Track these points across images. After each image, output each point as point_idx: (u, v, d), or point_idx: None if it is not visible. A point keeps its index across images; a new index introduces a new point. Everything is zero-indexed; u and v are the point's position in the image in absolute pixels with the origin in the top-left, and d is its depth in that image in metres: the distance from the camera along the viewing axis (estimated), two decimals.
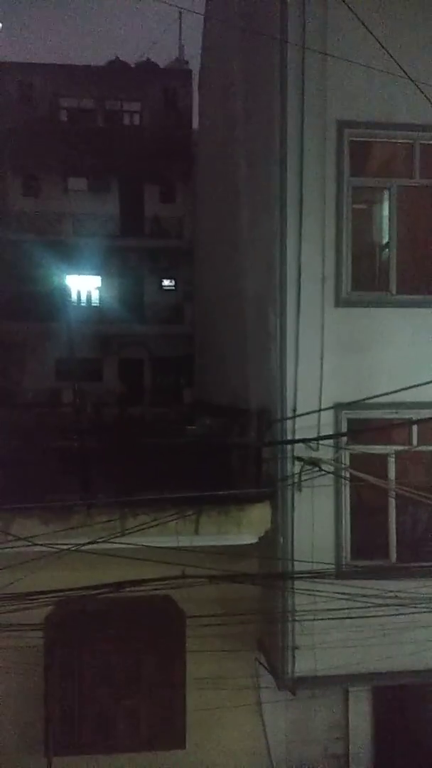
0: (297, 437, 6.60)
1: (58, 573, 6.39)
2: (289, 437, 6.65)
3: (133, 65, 21.54)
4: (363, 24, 6.09)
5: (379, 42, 6.13)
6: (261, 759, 7.37)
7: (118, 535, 6.40)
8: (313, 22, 6.56)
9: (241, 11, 9.00)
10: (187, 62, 21.28)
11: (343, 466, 6.67)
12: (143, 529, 6.42)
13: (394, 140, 7.02)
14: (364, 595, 6.39)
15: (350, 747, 7.40)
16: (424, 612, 6.42)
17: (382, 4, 6.69)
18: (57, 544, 6.17)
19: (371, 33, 6.12)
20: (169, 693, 7.17)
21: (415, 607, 6.36)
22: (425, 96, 6.43)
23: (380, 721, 7.43)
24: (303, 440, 6.56)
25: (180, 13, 18.98)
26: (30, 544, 6.16)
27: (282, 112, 6.71)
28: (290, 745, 7.35)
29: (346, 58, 6.57)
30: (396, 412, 6.73)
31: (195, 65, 16.44)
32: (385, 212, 7.15)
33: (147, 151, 19.22)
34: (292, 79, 6.66)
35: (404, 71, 6.24)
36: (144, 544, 6.32)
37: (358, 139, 6.87)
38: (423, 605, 6.37)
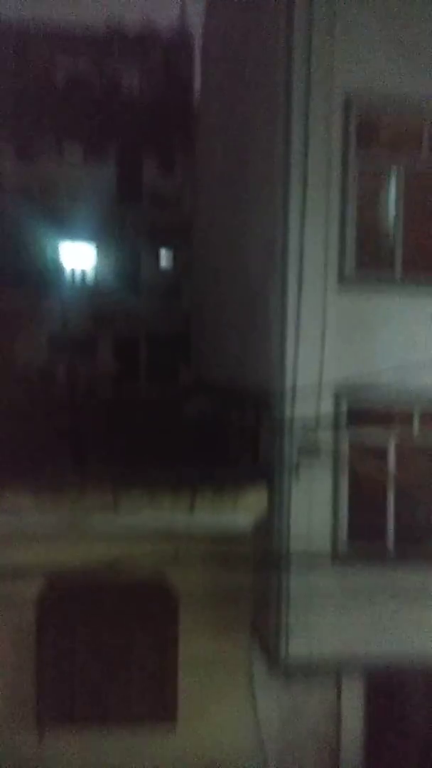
0: (296, 419, 6.50)
1: (51, 550, 6.37)
2: (288, 419, 6.55)
3: (133, 29, 20.88)
4: None
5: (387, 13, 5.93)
6: (251, 738, 7.44)
7: (112, 512, 6.35)
8: None
9: None
10: (189, 27, 20.66)
11: (341, 450, 6.59)
12: (137, 507, 6.36)
13: (402, 115, 6.80)
14: (359, 579, 6.39)
15: (341, 729, 7.47)
16: (420, 598, 6.40)
17: None
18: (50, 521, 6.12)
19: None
20: (161, 669, 7.20)
21: (410, 593, 6.35)
22: None
23: (372, 704, 7.48)
24: (301, 423, 6.46)
25: None
26: (22, 519, 6.12)
27: (287, 84, 6.52)
28: (281, 727, 7.41)
29: (354, 29, 6.32)
30: (397, 396, 6.64)
31: (197, 28, 15.93)
32: (392, 190, 6.97)
33: (146, 119, 18.74)
34: (298, 49, 6.47)
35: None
36: (137, 523, 6.29)
37: (365, 113, 6.67)
38: (419, 591, 6.36)
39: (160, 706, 7.28)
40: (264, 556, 6.69)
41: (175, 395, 10.62)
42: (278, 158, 6.68)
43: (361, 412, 6.73)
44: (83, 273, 20.09)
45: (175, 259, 20.45)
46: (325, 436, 6.52)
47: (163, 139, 19.44)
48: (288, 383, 6.60)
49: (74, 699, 7.21)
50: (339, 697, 7.35)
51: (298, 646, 6.59)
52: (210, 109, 11.76)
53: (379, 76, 6.58)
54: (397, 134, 6.98)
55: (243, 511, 6.69)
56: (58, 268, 18.35)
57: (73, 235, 18.72)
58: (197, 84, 14.94)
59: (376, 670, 7.02)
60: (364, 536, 6.76)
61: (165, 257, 20.69)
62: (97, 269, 20.09)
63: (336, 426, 6.53)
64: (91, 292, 18.91)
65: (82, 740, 7.16)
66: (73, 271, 19.73)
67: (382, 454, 6.72)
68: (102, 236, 19.66)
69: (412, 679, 7.49)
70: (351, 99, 6.56)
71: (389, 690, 7.57)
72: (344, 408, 6.66)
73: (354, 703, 7.36)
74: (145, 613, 7.08)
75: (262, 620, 7.07)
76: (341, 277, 6.66)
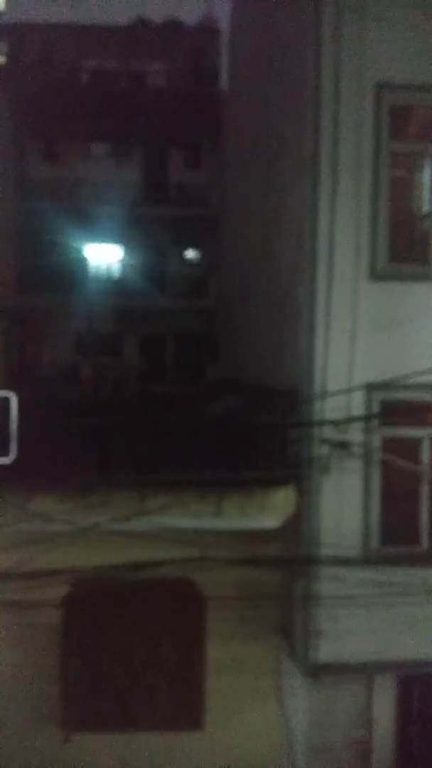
0: (326, 418, 6.37)
1: (77, 552, 6.31)
2: (318, 418, 6.39)
3: (158, 24, 20.75)
4: None
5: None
6: (279, 743, 7.29)
7: (138, 515, 6.25)
8: None
9: None
10: (215, 21, 20.42)
11: (373, 449, 6.38)
12: (164, 509, 6.26)
13: None
14: (392, 583, 6.19)
15: (373, 734, 7.26)
16: None
17: None
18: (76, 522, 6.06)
19: None
20: (188, 674, 7.10)
21: None
22: None
23: (404, 710, 7.26)
24: (332, 422, 6.30)
25: None
26: (49, 521, 6.07)
27: (317, 74, 6.44)
28: (311, 731, 7.23)
29: (385, 17, 6.21)
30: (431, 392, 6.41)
31: (223, 24, 15.73)
32: (426, 180, 6.75)
33: (172, 115, 18.58)
34: (327, 39, 6.42)
35: None
36: (164, 524, 6.18)
37: (397, 102, 6.56)
38: None
39: (187, 711, 7.18)
40: (293, 557, 6.53)
41: (202, 394, 10.51)
42: (308, 151, 6.55)
43: (394, 408, 6.52)
44: (109, 271, 20.13)
45: (202, 256, 20.30)
46: (357, 435, 6.33)
47: (189, 135, 19.31)
48: (318, 380, 6.44)
49: (101, 702, 7.16)
50: (371, 700, 7.14)
51: (328, 648, 6.41)
52: (238, 104, 11.63)
53: (410, 64, 6.42)
54: (430, 123, 6.75)
55: (271, 512, 6.55)
56: (85, 267, 18.40)
57: (99, 233, 18.76)
58: (225, 78, 14.77)
59: (408, 672, 6.81)
60: (397, 536, 6.54)
61: (191, 254, 20.55)
62: (123, 267, 20.09)
63: (368, 424, 6.33)
64: (118, 291, 18.91)
65: (107, 744, 7.11)
66: (99, 269, 19.79)
67: (415, 450, 6.49)
68: (128, 234, 19.64)
69: None
70: (383, 88, 6.42)
71: (422, 692, 7.35)
72: (376, 405, 6.46)
73: (386, 706, 7.16)
74: (172, 617, 6.99)
75: (291, 622, 6.91)
76: (373, 271, 6.46)
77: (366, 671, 6.82)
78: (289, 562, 6.62)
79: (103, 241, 18.99)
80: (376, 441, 6.47)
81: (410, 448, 6.56)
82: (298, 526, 6.60)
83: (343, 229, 6.44)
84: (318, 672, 6.61)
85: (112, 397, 9.46)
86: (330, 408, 6.41)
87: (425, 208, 6.87)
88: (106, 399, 8.88)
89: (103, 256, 19.62)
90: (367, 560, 6.43)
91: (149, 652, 7.02)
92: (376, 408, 6.50)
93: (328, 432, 6.41)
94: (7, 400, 5.72)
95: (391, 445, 6.51)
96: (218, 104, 14.99)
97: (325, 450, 6.42)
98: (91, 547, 6.32)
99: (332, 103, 6.39)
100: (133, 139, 19.63)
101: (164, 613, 6.92)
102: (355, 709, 7.22)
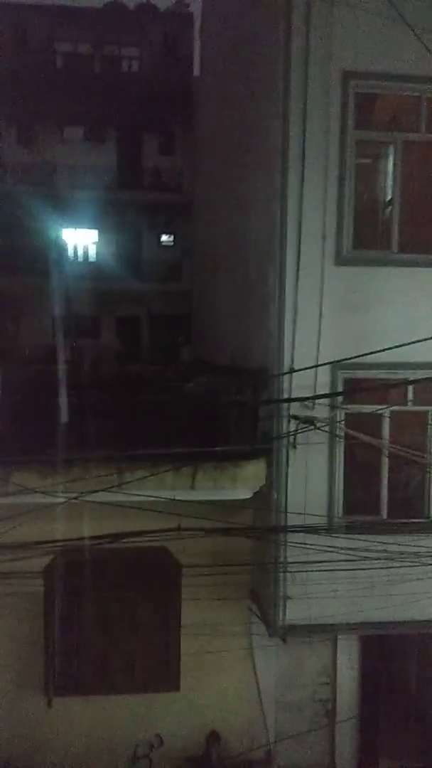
0: (293, 396, 6.66)
1: (58, 524, 6.56)
2: (286, 396, 6.71)
3: (131, 8, 20.62)
4: None
5: None
6: (251, 701, 7.72)
7: (116, 488, 6.52)
8: None
9: None
10: (188, 5, 20.38)
11: (337, 424, 6.75)
12: (140, 482, 6.53)
13: (400, 93, 6.85)
14: (354, 549, 6.59)
15: (338, 690, 7.75)
16: (412, 566, 6.60)
17: None
18: (55, 494, 6.29)
19: None
20: (165, 638, 7.44)
21: (402, 562, 6.55)
22: (425, 47, 6.25)
23: (367, 668, 7.76)
24: (299, 399, 6.62)
25: None
26: (30, 492, 6.30)
27: (286, 60, 6.53)
28: (280, 689, 7.69)
29: (353, 6, 6.35)
30: (392, 373, 6.77)
31: (197, 8, 15.76)
32: (390, 168, 7.03)
33: (146, 100, 18.59)
34: (296, 27, 6.48)
35: (408, 23, 6.06)
36: (142, 497, 6.46)
37: (363, 90, 6.72)
38: (411, 560, 6.56)
39: (164, 673, 7.53)
40: (263, 526, 6.89)
41: (176, 374, 10.76)
42: (277, 137, 6.71)
43: (358, 386, 6.87)
44: (85, 255, 20.16)
45: (175, 240, 20.45)
46: (323, 411, 6.67)
47: (163, 120, 19.32)
48: (286, 360, 6.74)
49: (82, 668, 7.47)
50: (335, 659, 7.63)
51: (296, 611, 6.80)
52: (210, 89, 11.75)
53: (377, 53, 6.59)
54: (395, 112, 7.03)
55: (242, 484, 6.87)
56: (60, 251, 18.41)
57: (74, 217, 18.76)
58: (197, 64, 14.84)
59: (369, 632, 7.23)
60: (359, 506, 6.94)
61: (166, 238, 20.68)
62: (98, 251, 20.13)
63: (333, 401, 6.68)
64: (94, 274, 18.96)
65: (88, 707, 7.44)
66: (75, 252, 19.80)
67: (376, 426, 6.86)
68: (103, 218, 19.68)
69: (404, 640, 7.76)
70: (349, 76, 6.59)
71: (382, 651, 7.85)
72: (341, 384, 6.80)
73: (349, 664, 7.65)
74: (149, 584, 7.31)
75: (261, 587, 7.30)
76: (339, 256, 6.74)
77: (331, 632, 7.26)
78: (259, 531, 6.97)
79: (78, 225, 19.03)
80: (340, 417, 6.83)
81: (372, 424, 6.88)
82: (268, 497, 6.96)
83: (311, 215, 6.61)
84: (286, 633, 7.00)
85: (89, 376, 9.64)
86: (297, 386, 6.69)
87: (388, 196, 7.14)
88: (84, 378, 9.07)
89: (79, 239, 19.67)
90: (332, 529, 6.76)
91: (128, 618, 7.35)
92: (340, 386, 6.83)
93: (295, 409, 6.73)
94: None
95: (354, 421, 6.82)
96: (191, 89, 15.08)
97: (292, 426, 6.74)
98: (72, 519, 6.58)
99: (301, 90, 6.48)
100: (107, 124, 19.57)
101: (142, 580, 7.24)
102: (321, 667, 7.71)
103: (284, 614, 6.85)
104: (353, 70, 6.62)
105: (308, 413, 6.71)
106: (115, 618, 7.38)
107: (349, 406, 6.81)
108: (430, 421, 6.94)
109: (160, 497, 6.39)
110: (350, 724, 7.80)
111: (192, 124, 13.99)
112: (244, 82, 8.62)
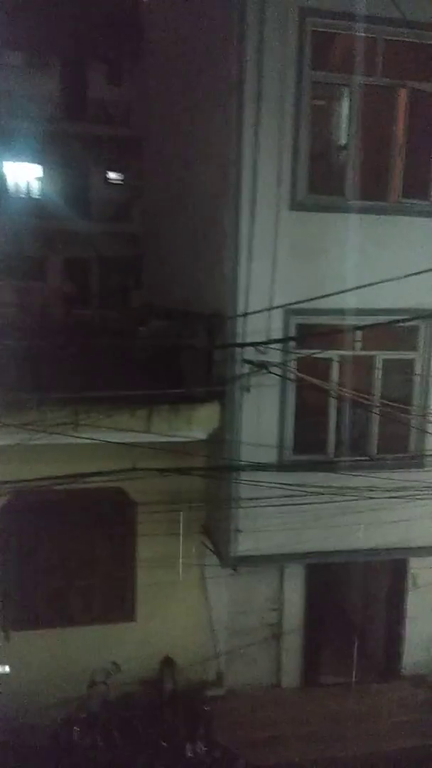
0: (247, 340, 6.77)
1: (15, 466, 6.60)
2: (239, 340, 6.82)
3: None
4: None
5: None
6: (203, 628, 8.19)
7: (72, 429, 6.58)
8: None
9: None
10: None
11: (289, 369, 6.95)
12: (97, 425, 6.61)
13: (357, 33, 6.74)
14: (302, 485, 6.94)
15: (284, 616, 8.32)
16: (353, 500, 7.04)
17: None
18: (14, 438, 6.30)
19: None
20: (121, 571, 7.75)
21: (345, 496, 6.97)
22: None
23: (311, 594, 8.34)
24: (252, 344, 6.74)
25: None
26: None
27: None
28: (230, 615, 8.19)
29: None
30: (343, 319, 6.97)
31: None
32: (345, 111, 6.99)
33: (92, 25, 17.42)
34: None
35: None
36: (97, 439, 6.56)
37: (320, 29, 6.57)
38: (353, 494, 6.98)
39: (120, 604, 7.89)
40: (217, 465, 7.14)
41: (128, 318, 10.69)
42: (232, 75, 6.54)
43: (309, 331, 7.05)
44: (28, 191, 19.21)
45: (125, 178, 19.70)
46: (275, 356, 6.85)
47: (111, 48, 18.21)
48: (240, 305, 6.82)
49: (39, 602, 7.71)
50: (282, 587, 8.15)
51: (246, 543, 7.16)
52: (161, 17, 11.15)
53: None
54: (353, 54, 6.94)
55: (197, 426, 7.07)
56: (2, 187, 17.49)
57: (14, 149, 17.74)
58: None
59: (314, 561, 7.71)
60: (308, 446, 7.26)
61: (114, 176, 19.89)
62: (42, 187, 19.20)
63: (285, 346, 6.85)
64: (37, 212, 18.15)
65: (46, 639, 7.71)
66: (16, 188, 18.83)
67: (326, 370, 7.11)
68: (46, 152, 18.68)
69: (346, 568, 8.34)
70: (307, 13, 6.43)
71: (326, 579, 8.44)
72: (293, 329, 6.97)
73: (295, 592, 8.19)
74: (105, 521, 7.53)
75: (214, 522, 7.63)
76: (294, 200, 6.74)
77: (278, 562, 7.72)
78: (213, 470, 7.23)
79: (18, 158, 18.02)
80: (292, 361, 7.03)
81: (321, 368, 7.13)
82: (222, 437, 7.19)
83: (266, 158, 6.54)
84: (237, 564, 7.39)
85: (39, 320, 9.47)
86: (251, 331, 6.81)
87: (343, 140, 7.12)
88: (34, 322, 8.91)
89: (21, 174, 18.68)
90: (282, 467, 7.10)
91: (84, 554, 7.59)
92: (292, 331, 7.00)
93: (248, 353, 6.87)
94: None
95: (304, 365, 7.02)
96: (141, 15, 14.23)
97: (245, 369, 6.91)
98: (30, 461, 6.63)
99: (256, 27, 6.32)
100: (49, 49, 18.30)
101: (98, 518, 7.45)
102: (269, 594, 8.23)
103: (235, 546, 7.21)
104: (310, 6, 6.45)
105: (261, 357, 6.87)
106: (72, 554, 7.60)
107: (300, 351, 7.00)
108: (376, 366, 7.23)
109: (117, 440, 6.49)
110: (295, 645, 8.43)
111: (142, 54, 13.29)
112: (199, 10, 8.23)
